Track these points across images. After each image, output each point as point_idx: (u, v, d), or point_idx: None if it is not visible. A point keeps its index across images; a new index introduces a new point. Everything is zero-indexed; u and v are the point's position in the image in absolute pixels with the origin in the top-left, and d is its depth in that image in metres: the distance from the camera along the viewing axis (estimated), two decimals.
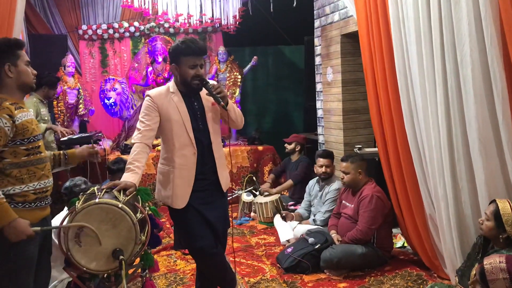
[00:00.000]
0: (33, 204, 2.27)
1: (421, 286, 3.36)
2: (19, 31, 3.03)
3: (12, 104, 2.21)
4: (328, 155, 4.62)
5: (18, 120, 2.20)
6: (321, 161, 4.57)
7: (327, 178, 4.55)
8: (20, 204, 2.22)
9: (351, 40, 4.93)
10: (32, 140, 2.27)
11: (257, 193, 5.52)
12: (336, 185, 4.43)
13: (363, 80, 4.91)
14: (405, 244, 4.16)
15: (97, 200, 2.26)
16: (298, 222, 4.63)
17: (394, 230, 4.28)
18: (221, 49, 6.81)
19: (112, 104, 6.48)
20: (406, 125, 3.41)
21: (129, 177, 2.50)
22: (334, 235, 3.89)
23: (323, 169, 4.53)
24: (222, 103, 2.63)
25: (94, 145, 2.76)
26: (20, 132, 2.21)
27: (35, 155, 2.29)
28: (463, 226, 3.09)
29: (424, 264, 3.64)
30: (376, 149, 4.59)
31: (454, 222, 3.08)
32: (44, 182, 2.33)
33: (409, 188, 3.53)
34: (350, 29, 4.75)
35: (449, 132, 3.00)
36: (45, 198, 2.35)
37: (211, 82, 2.78)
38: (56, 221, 2.86)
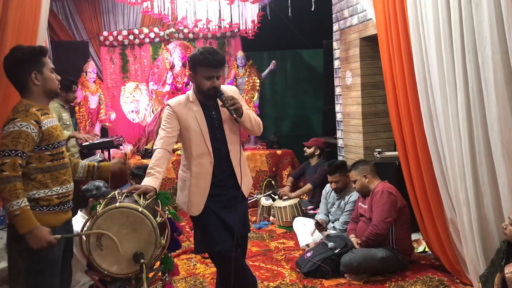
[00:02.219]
0: (57, 207, 2.33)
1: None
2: (43, 39, 3.10)
3: (38, 110, 2.26)
4: (334, 170, 4.43)
5: (44, 126, 2.25)
6: (328, 177, 4.51)
7: (340, 191, 4.48)
8: (45, 208, 2.28)
9: (370, 43, 4.91)
10: (56, 146, 2.33)
11: (276, 197, 5.51)
12: (355, 196, 4.29)
13: (382, 84, 4.88)
14: (426, 249, 4.10)
15: (117, 204, 2.30)
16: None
17: (415, 235, 4.24)
18: (240, 53, 6.84)
19: (133, 109, 6.56)
20: (425, 129, 3.37)
21: (149, 182, 2.55)
22: (353, 239, 3.87)
23: (333, 185, 4.47)
24: (234, 115, 2.66)
25: (126, 161, 2.82)
26: (45, 138, 2.27)
27: (58, 160, 2.34)
28: (486, 231, 3.04)
29: (446, 269, 3.58)
30: (395, 152, 4.55)
31: (476, 227, 3.03)
32: (66, 187, 2.38)
33: (429, 192, 3.49)
34: (369, 32, 4.72)
35: (471, 135, 2.96)
36: (68, 202, 2.41)
37: (227, 90, 2.81)
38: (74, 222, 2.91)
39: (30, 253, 2.22)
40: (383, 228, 3.64)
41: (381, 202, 3.69)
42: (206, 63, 2.66)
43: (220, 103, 2.73)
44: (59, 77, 2.43)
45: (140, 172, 4.49)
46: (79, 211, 3.37)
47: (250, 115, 2.82)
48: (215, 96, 2.72)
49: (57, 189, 2.32)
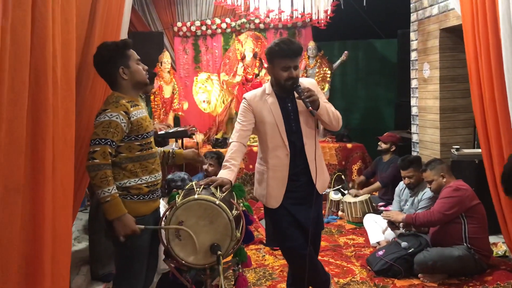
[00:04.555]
0: (146, 196, 2.42)
1: None
2: (125, 31, 3.22)
3: (128, 102, 2.35)
4: (408, 165, 4.26)
5: (133, 117, 2.34)
6: (402, 172, 4.33)
7: (414, 187, 4.31)
8: (135, 197, 2.37)
9: (451, 35, 4.67)
10: (145, 136, 2.41)
11: (346, 191, 5.42)
12: (429, 193, 4.11)
13: (462, 77, 4.65)
14: (507, 253, 3.88)
15: (196, 196, 2.34)
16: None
17: (494, 238, 4.03)
18: (311, 44, 6.75)
19: (204, 99, 6.68)
20: None
21: (225, 174, 2.57)
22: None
23: (406, 180, 4.29)
24: (310, 108, 2.59)
25: (200, 153, 2.90)
26: (135, 128, 2.35)
27: (147, 150, 2.43)
28: None
29: None
30: (476, 150, 4.33)
31: None
32: (155, 176, 2.46)
33: None
34: (450, 23, 4.50)
35: None
36: (156, 190, 2.50)
37: (305, 82, 2.76)
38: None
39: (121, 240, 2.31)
40: (438, 219, 3.58)
41: (446, 195, 3.60)
42: (282, 53, 2.63)
43: (296, 95, 2.70)
44: (146, 67, 2.49)
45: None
46: (161, 200, 3.48)
47: (328, 108, 2.74)
48: (292, 88, 2.68)
49: (146, 178, 2.41)
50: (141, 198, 2.40)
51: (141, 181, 2.39)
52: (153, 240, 2.51)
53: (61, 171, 2.09)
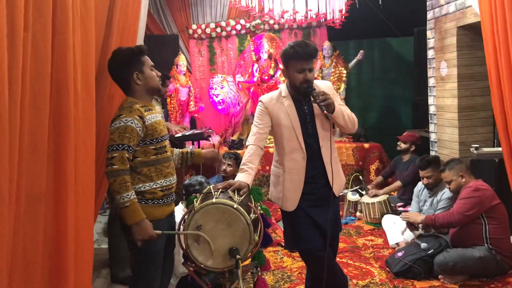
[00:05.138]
0: (161, 200, 2.43)
1: None
2: (142, 37, 3.25)
3: (142, 107, 2.38)
4: (427, 165, 4.21)
5: (148, 121, 2.36)
6: (420, 172, 4.28)
7: (433, 188, 4.25)
8: (150, 201, 2.39)
9: (468, 32, 4.61)
10: (160, 140, 2.43)
11: (363, 192, 5.38)
12: (448, 193, 4.06)
13: (481, 75, 4.58)
14: None
15: (214, 200, 2.34)
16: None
17: None
18: (326, 44, 6.73)
19: (220, 101, 6.71)
20: None
21: (242, 177, 2.57)
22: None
23: (424, 180, 4.24)
24: (325, 111, 2.59)
25: (220, 152, 2.92)
26: (149, 132, 2.37)
27: (162, 154, 2.45)
28: None
29: None
30: (495, 149, 4.26)
31: None
32: (170, 180, 2.48)
33: None
34: (468, 21, 4.43)
35: None
36: (171, 194, 2.51)
37: (321, 85, 2.76)
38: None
39: (136, 244, 2.33)
40: (458, 220, 3.54)
41: (466, 195, 3.56)
42: (297, 56, 2.62)
43: (312, 98, 2.69)
44: (159, 73, 2.52)
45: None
46: (180, 203, 3.50)
47: (344, 111, 2.73)
48: (307, 92, 2.67)
49: (161, 182, 2.42)
50: (156, 202, 2.41)
51: (156, 185, 2.41)
52: (168, 245, 2.53)
53: (83, 179, 2.13)
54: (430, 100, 5.35)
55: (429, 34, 5.29)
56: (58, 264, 2.00)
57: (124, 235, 2.42)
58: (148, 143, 2.39)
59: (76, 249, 2.06)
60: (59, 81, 1.98)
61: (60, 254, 2.01)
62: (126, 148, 2.28)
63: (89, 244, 2.23)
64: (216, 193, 2.44)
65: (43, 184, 1.89)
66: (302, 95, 2.73)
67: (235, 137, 6.62)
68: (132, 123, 2.30)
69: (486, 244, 3.51)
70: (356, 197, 5.40)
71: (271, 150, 5.61)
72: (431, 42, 5.24)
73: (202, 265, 2.36)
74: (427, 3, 5.26)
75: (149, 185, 2.39)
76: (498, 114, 3.51)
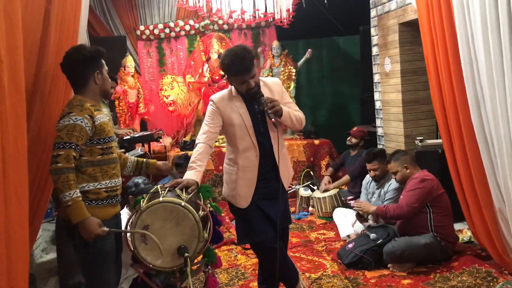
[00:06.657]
0: (105, 201, 2.38)
1: (491, 284, 3.21)
2: (83, 36, 3.15)
3: (92, 106, 2.34)
4: (373, 157, 4.32)
5: (97, 121, 2.33)
6: (367, 165, 4.40)
7: (380, 179, 4.37)
8: (93, 202, 2.34)
9: (409, 29, 4.78)
10: (107, 141, 2.40)
11: (315, 187, 5.47)
12: (395, 184, 4.18)
13: (423, 70, 4.75)
14: (472, 239, 3.99)
15: (161, 199, 2.32)
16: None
17: (459, 225, 4.14)
18: (275, 43, 6.80)
19: (171, 102, 6.63)
20: (472, 116, 3.24)
21: (191, 175, 2.57)
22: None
23: (371, 173, 4.36)
24: (273, 119, 2.64)
25: (174, 167, 2.94)
26: (98, 132, 2.34)
27: (108, 155, 2.41)
28: None
29: (493, 260, 3.47)
30: (438, 140, 4.43)
31: None
32: (115, 181, 2.44)
33: (476, 181, 3.37)
34: (409, 18, 4.60)
35: None
36: (116, 196, 2.47)
37: (270, 82, 2.82)
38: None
39: (83, 247, 2.29)
40: (407, 212, 3.65)
41: (413, 187, 3.68)
42: (235, 73, 2.67)
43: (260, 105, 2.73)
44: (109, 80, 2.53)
45: (181, 161, 4.59)
46: (125, 207, 3.43)
47: (291, 113, 2.79)
48: (255, 96, 2.71)
49: (105, 183, 2.38)
50: (100, 203, 2.37)
51: (100, 185, 2.36)
52: (116, 247, 2.48)
53: (14, 179, 2.01)
54: (376, 96, 5.51)
55: (373, 31, 5.44)
56: None
57: (70, 239, 2.36)
58: (95, 142, 2.35)
59: (9, 251, 1.95)
60: None
61: None
62: (73, 146, 2.24)
63: (23, 245, 2.11)
64: (163, 192, 2.42)
65: None
66: (250, 98, 2.75)
67: (187, 138, 6.57)
68: (81, 122, 2.26)
69: (431, 232, 3.64)
70: (308, 192, 5.48)
71: (224, 149, 5.61)
72: (375, 39, 5.40)
73: (151, 265, 2.33)
74: (370, 1, 5.41)
75: (93, 185, 2.34)
76: (438, 107, 3.66)
